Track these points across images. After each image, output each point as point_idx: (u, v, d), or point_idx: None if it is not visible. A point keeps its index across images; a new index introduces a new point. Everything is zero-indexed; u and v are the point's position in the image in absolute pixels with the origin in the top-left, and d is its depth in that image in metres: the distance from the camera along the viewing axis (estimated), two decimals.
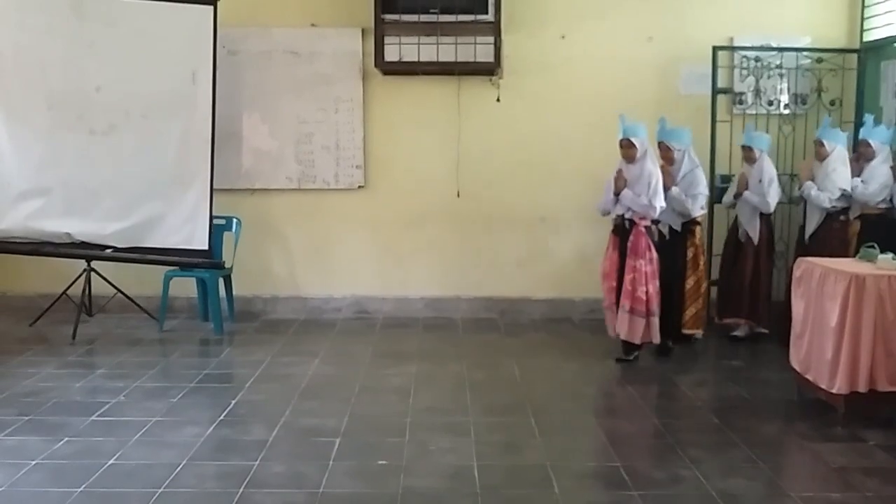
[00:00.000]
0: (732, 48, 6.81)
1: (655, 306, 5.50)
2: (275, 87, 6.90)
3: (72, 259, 6.49)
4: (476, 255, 7.06)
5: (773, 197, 6.10)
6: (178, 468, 3.77)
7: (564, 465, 3.85)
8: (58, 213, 6.23)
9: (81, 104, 6.19)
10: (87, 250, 6.33)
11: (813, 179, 5.96)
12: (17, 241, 6.30)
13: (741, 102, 6.85)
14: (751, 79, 6.79)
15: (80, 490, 3.53)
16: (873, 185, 5.80)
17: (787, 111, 6.87)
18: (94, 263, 6.49)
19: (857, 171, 5.94)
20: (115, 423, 4.38)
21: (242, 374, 5.27)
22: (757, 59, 6.75)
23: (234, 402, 4.77)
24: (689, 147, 6.01)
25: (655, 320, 5.50)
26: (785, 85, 6.82)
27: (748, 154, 6.17)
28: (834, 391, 4.40)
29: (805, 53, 6.79)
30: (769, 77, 6.79)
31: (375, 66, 6.70)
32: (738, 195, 6.21)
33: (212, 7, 6.23)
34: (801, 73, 6.79)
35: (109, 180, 6.23)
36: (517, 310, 7.03)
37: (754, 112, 6.81)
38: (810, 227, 6.08)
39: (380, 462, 3.88)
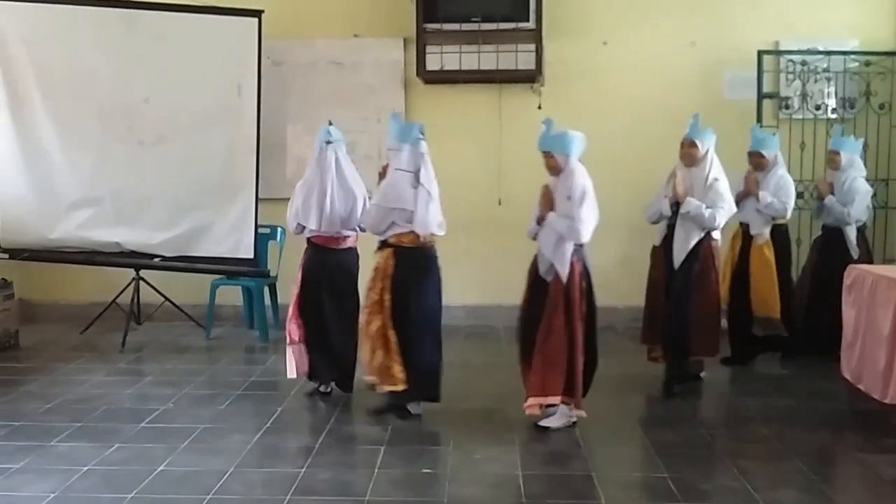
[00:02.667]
0: (778, 52, 6.72)
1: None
2: (318, 98, 6.98)
3: (121, 268, 6.62)
4: (518, 263, 6.94)
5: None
6: (226, 475, 3.82)
7: (610, 475, 3.83)
8: (108, 222, 6.36)
9: (131, 116, 6.33)
10: (136, 259, 6.46)
11: (833, 193, 5.79)
12: (69, 250, 6.45)
13: (787, 107, 6.75)
14: (797, 83, 6.69)
15: (130, 496, 3.59)
16: (859, 203, 5.74)
17: (834, 115, 6.75)
18: (142, 272, 6.62)
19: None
20: (164, 430, 4.45)
21: (288, 382, 5.31)
22: (803, 63, 6.65)
23: (279, 409, 4.82)
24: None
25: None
26: (832, 89, 6.71)
27: (759, 161, 5.72)
28: (887, 401, 4.29)
29: (853, 56, 6.68)
30: (816, 81, 6.69)
31: (417, 75, 6.74)
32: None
33: (257, 19, 6.32)
34: (848, 77, 6.67)
35: (158, 190, 6.35)
36: None
37: (801, 117, 6.71)
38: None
39: (424, 470, 3.89)
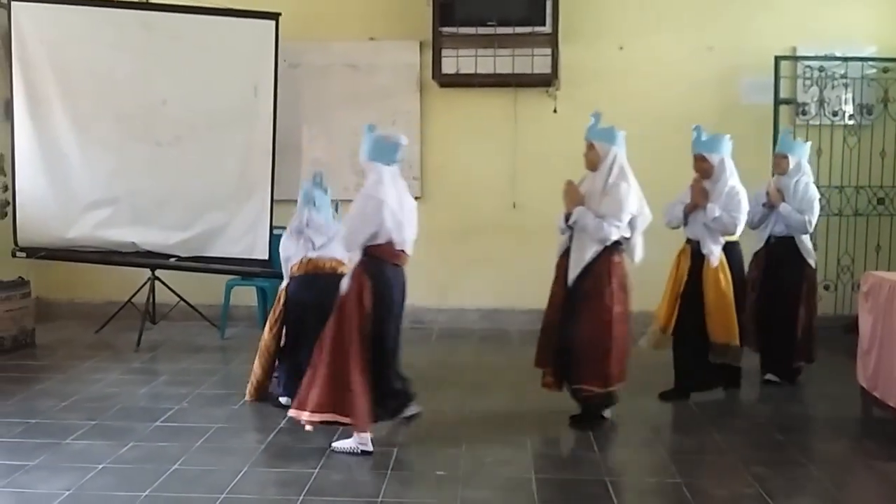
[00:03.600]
0: (795, 58, 6.70)
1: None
2: (334, 100, 7.00)
3: (137, 268, 6.66)
4: (532, 267, 6.98)
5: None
6: (240, 475, 3.83)
7: (624, 480, 3.82)
8: (125, 222, 6.40)
9: (148, 117, 6.37)
10: (151, 259, 6.50)
11: (785, 200, 5.30)
12: (86, 249, 6.49)
13: (804, 113, 6.73)
14: (814, 89, 6.67)
15: (144, 494, 3.61)
16: (816, 210, 5.32)
17: (851, 122, 6.72)
18: (158, 272, 6.66)
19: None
20: (178, 429, 4.47)
21: None
22: (821, 69, 6.62)
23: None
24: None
25: None
26: (850, 95, 6.69)
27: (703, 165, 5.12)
28: None
29: (870, 63, 6.65)
30: (833, 87, 6.66)
31: (433, 78, 6.76)
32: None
33: (273, 22, 6.36)
34: (866, 83, 6.65)
35: (174, 191, 6.38)
36: None
37: (818, 123, 6.69)
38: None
39: (437, 473, 3.89)
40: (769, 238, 5.39)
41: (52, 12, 6.38)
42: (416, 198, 6.87)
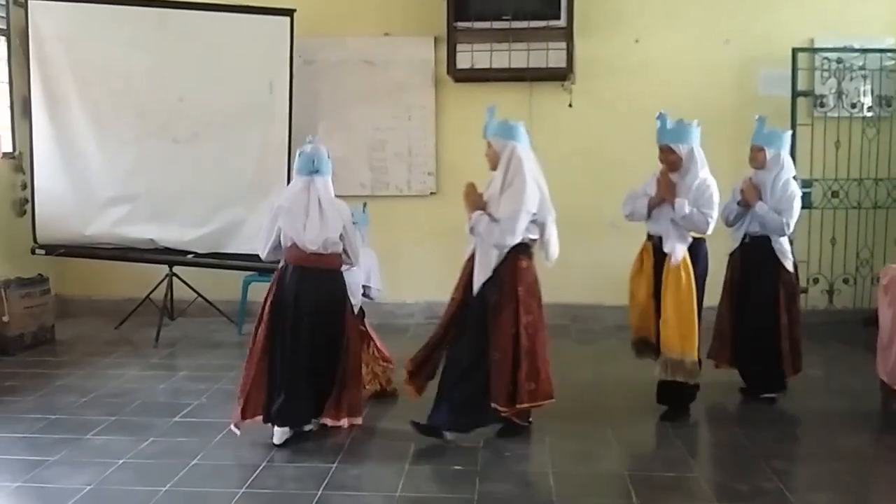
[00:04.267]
0: (813, 50, 6.64)
1: None
2: (349, 96, 7.01)
3: (155, 264, 6.70)
4: (547, 261, 7.00)
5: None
6: (259, 469, 3.86)
7: (643, 475, 3.81)
8: (143, 219, 6.43)
9: (165, 113, 6.39)
10: (169, 256, 6.53)
11: (762, 198, 4.77)
12: (105, 246, 6.53)
13: (822, 105, 6.67)
14: (832, 81, 6.60)
15: (165, 489, 3.64)
16: (796, 210, 4.75)
17: (870, 114, 6.66)
18: (175, 268, 6.69)
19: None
20: (197, 424, 4.50)
21: None
22: (839, 61, 6.56)
23: None
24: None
25: None
26: (868, 87, 6.62)
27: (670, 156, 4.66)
28: None
29: (889, 54, 6.58)
30: (852, 79, 6.60)
31: (448, 73, 6.75)
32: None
33: (288, 18, 6.36)
34: (885, 75, 6.58)
35: (191, 187, 6.40)
36: (589, 317, 6.97)
37: (836, 115, 6.63)
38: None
39: (455, 467, 3.89)
40: (744, 237, 4.90)
41: (69, 10, 6.40)
42: (431, 193, 7.02)
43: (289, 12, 6.38)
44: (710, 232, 4.49)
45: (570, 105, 6.79)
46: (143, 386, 5.24)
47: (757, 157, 4.85)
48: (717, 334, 5.00)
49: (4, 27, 6.72)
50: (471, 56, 6.61)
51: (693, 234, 4.51)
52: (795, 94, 6.53)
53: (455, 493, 3.61)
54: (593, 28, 6.72)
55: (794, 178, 4.86)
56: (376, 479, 3.79)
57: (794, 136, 6.41)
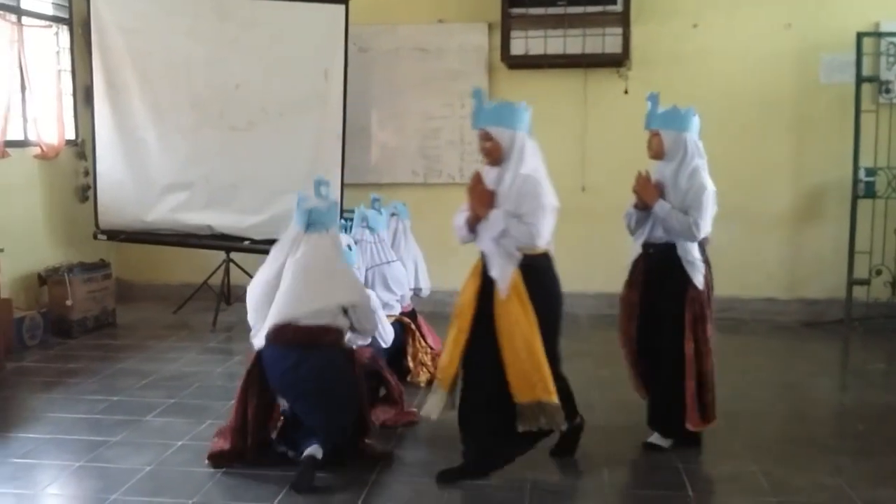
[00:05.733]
0: (878, 34, 6.43)
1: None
2: (402, 84, 7.02)
3: (212, 250, 6.81)
4: (601, 251, 6.94)
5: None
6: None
7: (697, 467, 3.76)
8: (200, 206, 6.54)
9: (223, 102, 6.48)
10: (226, 242, 6.63)
11: (664, 195, 3.85)
12: (164, 232, 6.66)
13: (888, 91, 6.45)
14: None
15: (223, 471, 3.70)
16: (707, 207, 3.79)
17: None
18: (232, 254, 6.80)
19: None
20: None
21: None
22: None
23: None
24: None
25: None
26: None
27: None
28: None
29: None
30: None
31: (501, 60, 6.71)
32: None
33: (343, 6, 6.38)
34: None
35: (248, 175, 6.49)
36: None
37: None
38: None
39: None
40: (646, 246, 3.97)
41: (130, 1, 6.54)
42: None
43: (344, 0, 6.40)
44: (541, 245, 3.58)
45: (626, 92, 6.69)
46: (201, 369, 5.35)
47: (652, 144, 3.93)
48: (629, 363, 4.14)
49: (67, 17, 6.88)
50: (525, 42, 6.56)
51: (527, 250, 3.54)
52: (860, 80, 6.33)
53: (506, 480, 3.60)
54: (650, 13, 6.62)
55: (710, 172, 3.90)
56: (428, 464, 3.78)
57: (857, 124, 6.26)
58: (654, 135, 3.89)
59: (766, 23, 6.60)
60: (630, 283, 4.06)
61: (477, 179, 3.60)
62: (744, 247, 6.70)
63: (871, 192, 6.31)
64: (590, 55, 6.49)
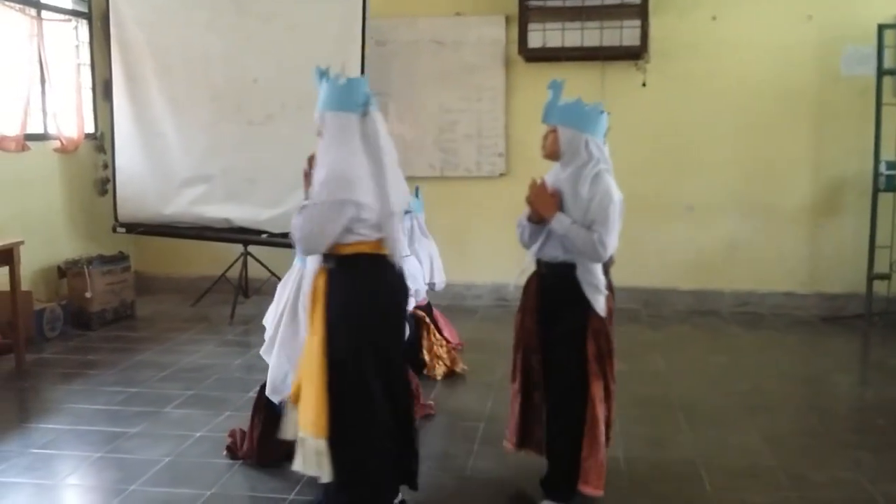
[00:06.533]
0: None
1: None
2: (420, 77, 7.01)
3: (230, 243, 6.84)
4: (618, 244, 6.91)
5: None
6: None
7: (715, 462, 3.74)
8: (218, 199, 6.56)
9: (241, 96, 6.48)
10: (244, 235, 6.66)
11: (561, 206, 3.20)
12: (182, 225, 6.69)
13: None
14: None
15: (240, 462, 3.73)
16: (613, 219, 3.17)
17: None
18: (250, 248, 6.83)
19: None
20: None
21: None
22: None
23: None
24: None
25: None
26: None
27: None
28: None
29: None
30: None
31: (519, 53, 6.69)
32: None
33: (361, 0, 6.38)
34: None
35: (266, 169, 6.50)
36: (660, 301, 6.85)
37: None
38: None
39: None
40: (539, 265, 3.36)
41: None
42: (501, 174, 6.98)
43: None
44: (603, 260, 3.19)
45: (644, 84, 6.65)
46: (219, 361, 5.37)
47: (545, 141, 3.29)
48: (517, 407, 3.48)
49: (86, 11, 6.92)
50: (543, 35, 6.53)
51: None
52: (881, 72, 6.25)
53: (524, 474, 3.59)
54: (669, 5, 6.57)
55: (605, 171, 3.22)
56: (447, 457, 3.81)
57: (878, 117, 6.19)
58: (551, 130, 3.25)
59: (786, 14, 6.53)
60: (524, 308, 3.42)
61: (542, 187, 3.26)
62: (762, 240, 6.66)
63: (891, 186, 6.24)
64: (607, 48, 6.46)
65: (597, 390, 3.19)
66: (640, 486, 3.50)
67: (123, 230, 6.79)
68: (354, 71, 6.39)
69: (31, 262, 5.95)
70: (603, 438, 3.21)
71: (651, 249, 6.85)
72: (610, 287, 3.30)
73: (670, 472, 3.66)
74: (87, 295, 6.23)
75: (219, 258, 7.09)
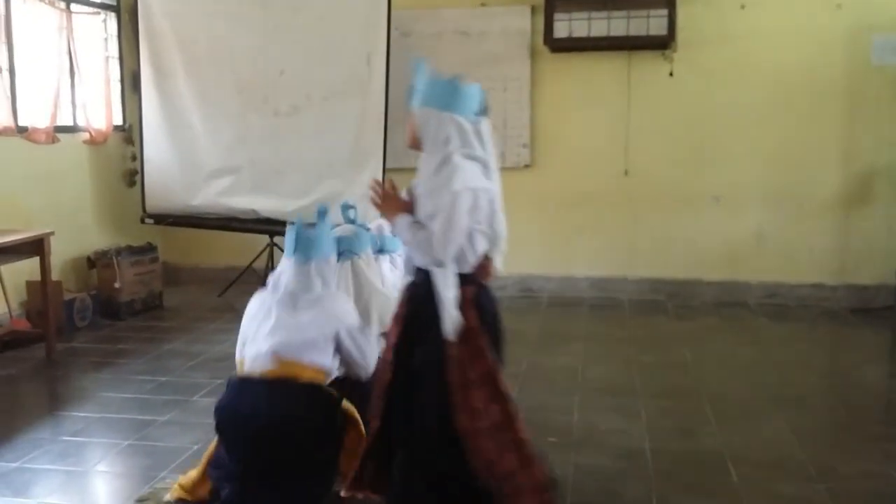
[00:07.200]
0: None
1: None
2: (444, 68, 6.78)
3: (256, 234, 6.89)
4: (644, 235, 6.89)
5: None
6: None
7: (743, 453, 3.71)
8: (245, 190, 6.61)
9: (267, 87, 6.52)
10: (270, 226, 6.69)
11: (411, 208, 2.77)
12: (209, 216, 6.75)
13: None
14: None
15: None
16: (458, 217, 2.63)
17: None
18: (276, 238, 6.87)
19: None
20: None
21: None
22: None
23: None
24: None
25: None
26: None
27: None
28: None
29: None
30: None
31: (544, 43, 6.65)
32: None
33: None
34: None
35: (292, 160, 6.54)
36: (687, 292, 6.80)
37: None
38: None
39: (550, 439, 3.88)
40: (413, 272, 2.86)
41: None
42: (526, 165, 6.96)
43: None
44: (443, 265, 2.67)
45: (671, 74, 6.60)
46: None
47: (407, 130, 2.85)
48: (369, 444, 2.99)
49: (115, 4, 6.98)
50: (569, 25, 6.49)
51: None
52: None
53: (550, 464, 3.59)
54: None
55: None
56: None
57: None
58: (411, 115, 2.80)
59: (816, 2, 6.44)
60: (395, 315, 2.93)
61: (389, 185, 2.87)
62: (791, 231, 6.60)
63: None
64: (634, 37, 6.40)
65: (463, 424, 2.66)
66: (665, 476, 3.48)
67: (152, 221, 6.85)
68: (380, 61, 6.41)
69: (62, 253, 6.03)
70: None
71: (677, 240, 6.81)
72: (478, 304, 2.74)
73: (697, 462, 3.64)
74: (116, 285, 6.30)
75: (245, 249, 7.14)
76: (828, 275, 6.61)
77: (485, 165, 2.74)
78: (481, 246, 2.76)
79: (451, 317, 2.64)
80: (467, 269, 2.73)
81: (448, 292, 2.64)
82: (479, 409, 2.69)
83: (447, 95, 2.73)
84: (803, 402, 4.45)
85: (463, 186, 2.64)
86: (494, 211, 2.77)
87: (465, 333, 2.68)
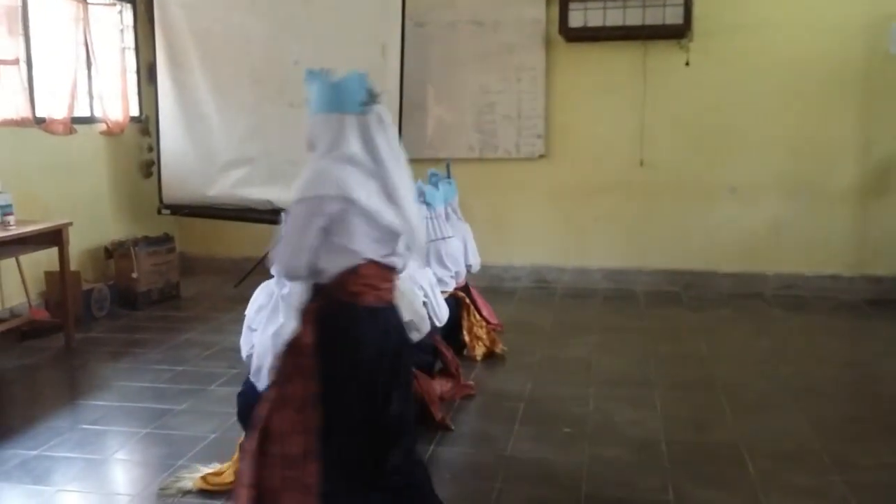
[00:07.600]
0: None
1: None
2: (459, 58, 6.98)
3: (272, 225, 6.89)
4: (659, 226, 6.86)
5: None
6: None
7: (759, 445, 3.70)
8: (260, 181, 6.63)
9: (281, 78, 6.52)
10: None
11: None
12: (225, 207, 6.78)
13: None
14: None
15: None
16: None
17: None
18: None
19: None
20: None
21: None
22: None
23: None
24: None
25: None
26: None
27: None
28: None
29: None
30: None
31: (559, 33, 6.63)
32: None
33: None
34: None
35: (306, 151, 6.53)
36: (702, 284, 6.78)
37: None
38: None
39: (565, 430, 3.89)
40: None
41: None
42: (540, 156, 6.94)
43: None
44: (286, 275, 2.70)
45: (687, 64, 6.55)
46: None
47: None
48: None
49: None
50: (584, 14, 6.46)
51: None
52: None
53: (564, 455, 3.61)
54: None
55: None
56: (487, 437, 3.83)
57: None
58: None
59: None
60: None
61: None
62: (808, 222, 6.56)
63: None
64: (650, 27, 6.37)
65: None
66: (681, 467, 3.48)
67: (168, 212, 6.89)
68: (394, 51, 6.41)
69: (79, 243, 6.07)
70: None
71: (693, 231, 6.78)
72: (321, 320, 2.52)
73: (712, 454, 3.63)
74: (134, 275, 6.34)
75: (261, 239, 7.09)
76: (845, 266, 6.57)
77: (373, 159, 2.52)
78: (333, 259, 2.47)
79: (285, 326, 2.62)
80: (324, 280, 2.51)
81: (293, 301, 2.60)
82: (277, 433, 2.45)
83: (327, 96, 2.61)
84: (819, 394, 4.43)
85: (300, 196, 2.49)
86: (374, 211, 2.46)
87: (295, 348, 2.51)
